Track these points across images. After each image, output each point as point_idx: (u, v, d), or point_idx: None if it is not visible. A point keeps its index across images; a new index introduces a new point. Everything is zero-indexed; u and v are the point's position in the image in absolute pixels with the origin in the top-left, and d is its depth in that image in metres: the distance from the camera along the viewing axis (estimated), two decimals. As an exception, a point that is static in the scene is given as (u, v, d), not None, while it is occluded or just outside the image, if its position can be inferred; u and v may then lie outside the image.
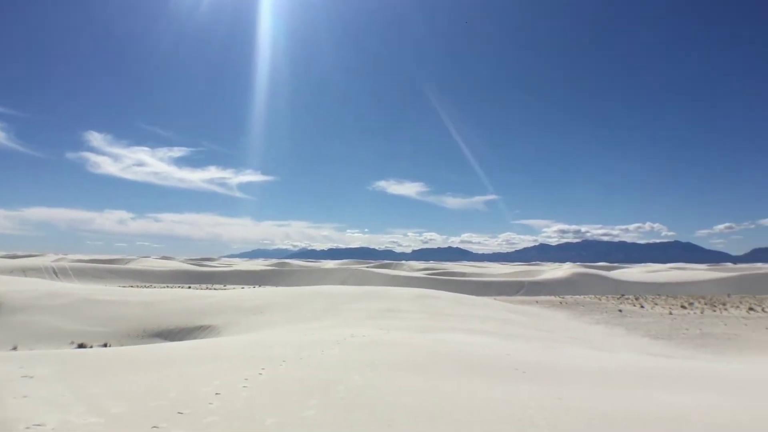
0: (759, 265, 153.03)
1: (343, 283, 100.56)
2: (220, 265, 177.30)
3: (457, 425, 7.44)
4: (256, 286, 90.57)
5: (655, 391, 10.97)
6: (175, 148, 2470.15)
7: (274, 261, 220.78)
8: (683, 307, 53.17)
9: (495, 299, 57.22)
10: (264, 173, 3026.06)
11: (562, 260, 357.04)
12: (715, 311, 48.42)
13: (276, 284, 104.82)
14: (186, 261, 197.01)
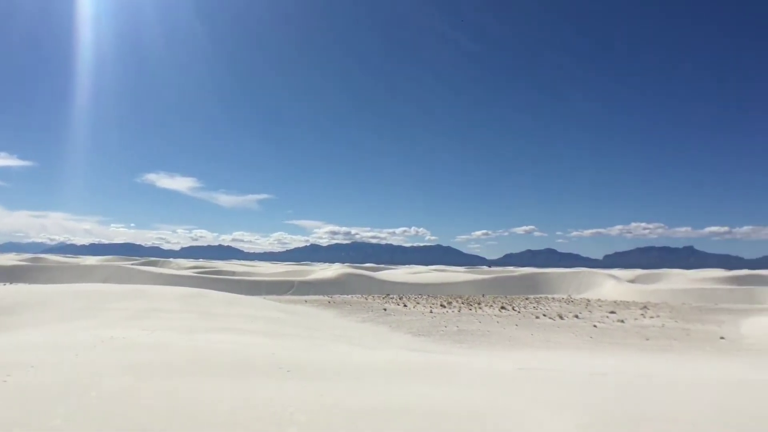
0: (510, 268, 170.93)
1: (105, 281, 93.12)
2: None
3: (217, 427, 7.17)
4: (6, 284, 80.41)
5: (415, 384, 11.48)
6: None
7: (28, 256, 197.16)
8: (443, 306, 57.48)
9: (265, 299, 57.01)
10: (20, 157, 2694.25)
11: (332, 261, 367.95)
12: (471, 310, 53.00)
13: (29, 281, 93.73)
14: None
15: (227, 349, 15.50)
